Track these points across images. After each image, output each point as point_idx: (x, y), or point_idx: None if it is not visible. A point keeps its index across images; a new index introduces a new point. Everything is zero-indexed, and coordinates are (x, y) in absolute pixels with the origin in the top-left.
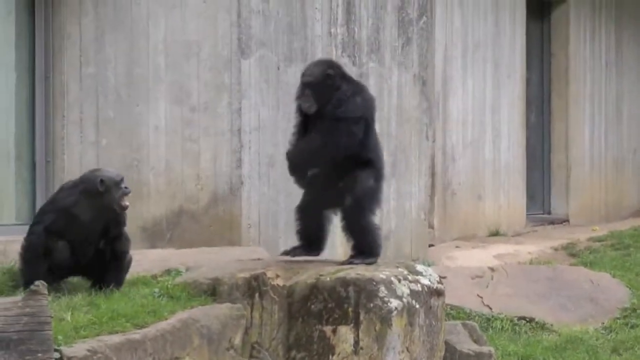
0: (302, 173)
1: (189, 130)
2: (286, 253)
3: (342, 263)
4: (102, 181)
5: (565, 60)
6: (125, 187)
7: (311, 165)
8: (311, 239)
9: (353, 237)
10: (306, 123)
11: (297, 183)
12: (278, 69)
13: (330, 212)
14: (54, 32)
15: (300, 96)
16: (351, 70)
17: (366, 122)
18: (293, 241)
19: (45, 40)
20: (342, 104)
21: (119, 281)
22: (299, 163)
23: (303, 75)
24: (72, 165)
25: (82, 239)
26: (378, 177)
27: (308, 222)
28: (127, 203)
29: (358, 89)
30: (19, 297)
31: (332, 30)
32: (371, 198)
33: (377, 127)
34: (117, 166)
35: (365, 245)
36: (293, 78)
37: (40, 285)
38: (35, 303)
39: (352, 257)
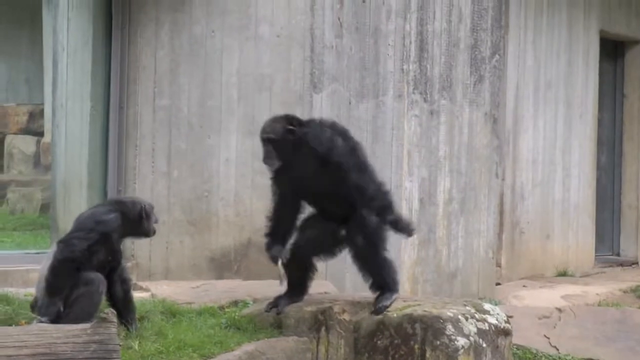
0: None
1: (259, 163)
2: (273, 305)
3: (374, 304)
4: (144, 208)
5: (638, 102)
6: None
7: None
8: (297, 285)
9: (372, 275)
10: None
11: None
12: (350, 104)
13: (323, 257)
14: (130, 63)
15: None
16: (422, 107)
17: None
18: (359, 276)
19: (120, 71)
20: (333, 149)
21: (135, 317)
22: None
23: (262, 131)
24: (143, 195)
25: (104, 264)
26: (381, 211)
27: (298, 268)
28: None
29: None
30: (88, 324)
31: (405, 66)
32: (381, 234)
33: (447, 164)
34: (188, 197)
35: (387, 282)
36: (365, 113)
37: (109, 313)
38: (104, 331)
39: (380, 296)
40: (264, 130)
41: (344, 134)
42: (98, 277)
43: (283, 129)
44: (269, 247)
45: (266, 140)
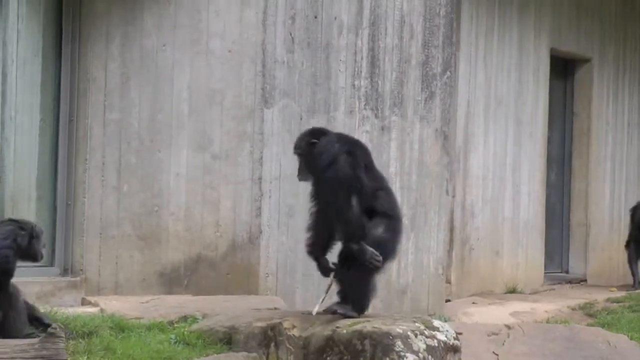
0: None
1: (210, 177)
2: (332, 312)
3: (333, 305)
4: (35, 228)
5: (587, 120)
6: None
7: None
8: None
9: (344, 284)
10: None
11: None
12: (301, 119)
13: None
14: (80, 76)
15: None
16: (373, 123)
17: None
18: (310, 291)
19: (70, 84)
20: (322, 159)
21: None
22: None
23: (294, 148)
24: (93, 209)
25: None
26: (390, 227)
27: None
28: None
29: (334, 138)
30: (36, 339)
31: (356, 82)
32: (379, 249)
33: (398, 180)
34: (138, 211)
35: (356, 304)
36: None
37: (57, 327)
38: (52, 346)
39: (338, 303)
40: (294, 146)
41: (352, 152)
42: (15, 287)
43: (306, 143)
44: (316, 258)
45: (297, 155)
